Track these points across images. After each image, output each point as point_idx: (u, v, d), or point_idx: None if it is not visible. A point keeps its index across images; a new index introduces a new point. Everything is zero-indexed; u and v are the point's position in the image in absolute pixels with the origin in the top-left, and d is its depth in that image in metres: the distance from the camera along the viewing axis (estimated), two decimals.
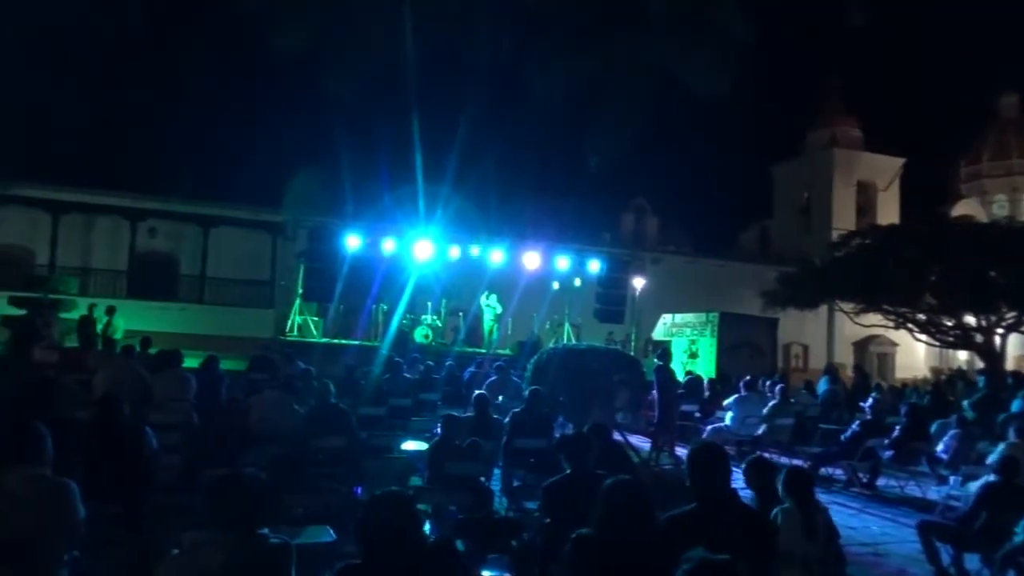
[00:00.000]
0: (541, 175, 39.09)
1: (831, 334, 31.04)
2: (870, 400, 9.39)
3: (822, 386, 12.88)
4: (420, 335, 17.20)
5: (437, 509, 5.21)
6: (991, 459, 5.67)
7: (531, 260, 18.25)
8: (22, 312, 13.71)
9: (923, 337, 23.04)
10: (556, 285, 19.66)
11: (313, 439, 6.09)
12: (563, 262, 18.46)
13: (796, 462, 9.38)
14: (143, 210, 21.80)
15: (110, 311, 15.70)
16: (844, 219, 32.78)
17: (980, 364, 20.71)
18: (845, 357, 30.29)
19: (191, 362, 8.90)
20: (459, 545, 2.76)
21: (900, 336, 27.30)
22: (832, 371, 13.90)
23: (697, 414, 11.76)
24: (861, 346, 31.13)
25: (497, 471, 6.66)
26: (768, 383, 12.19)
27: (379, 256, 17.54)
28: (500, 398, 9.20)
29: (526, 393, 7.78)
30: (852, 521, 7.16)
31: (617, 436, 7.65)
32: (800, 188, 36.21)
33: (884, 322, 22.95)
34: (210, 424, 6.73)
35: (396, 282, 17.89)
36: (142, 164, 27.74)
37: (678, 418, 10.50)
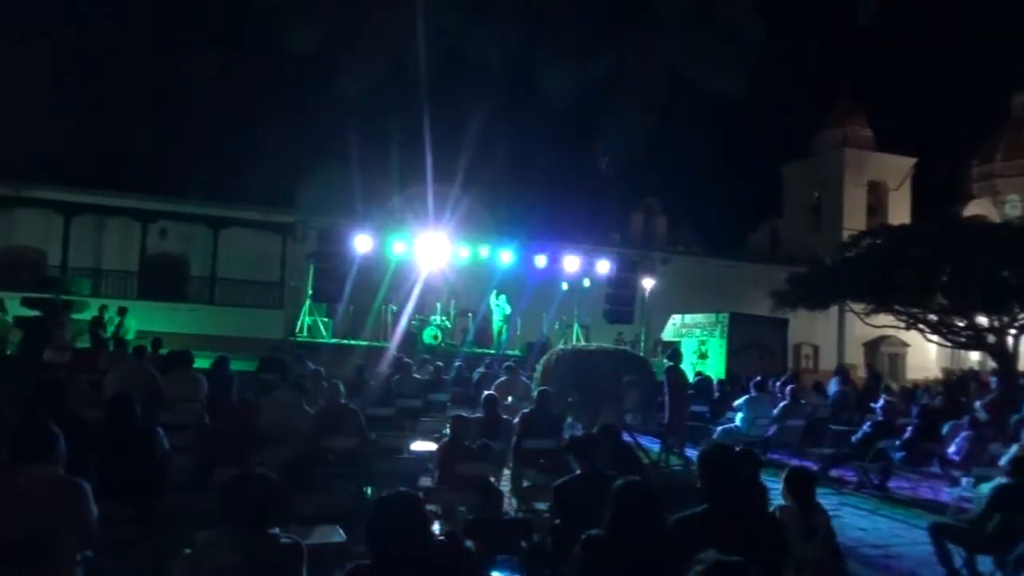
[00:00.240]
0: (550, 175, 39.08)
1: (842, 335, 30.87)
2: (881, 401, 9.34)
3: (832, 387, 12.82)
4: (429, 336, 17.23)
5: (446, 510, 5.22)
6: (1004, 460, 5.63)
7: (540, 261, 18.26)
8: (36, 313, 13.81)
9: (935, 338, 22.86)
10: (565, 286, 19.65)
11: (323, 440, 6.11)
12: (572, 262, 18.45)
13: (807, 464, 9.36)
14: (154, 211, 21.93)
15: (122, 312, 15.81)
16: (855, 219, 32.61)
17: (992, 365, 20.55)
18: (856, 358, 30.13)
19: (202, 363, 8.95)
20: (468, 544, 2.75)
21: (911, 337, 27.11)
22: (842, 372, 13.83)
23: (707, 415, 11.72)
24: (872, 347, 30.95)
25: (507, 472, 6.67)
26: (778, 384, 12.15)
27: (388, 257, 17.59)
28: (509, 399, 9.20)
29: (535, 394, 7.78)
30: (863, 523, 7.12)
31: (627, 437, 7.65)
32: (810, 188, 36.06)
33: (895, 323, 22.79)
34: (221, 425, 6.76)
35: (405, 283, 17.94)
36: (153, 165, 27.91)
37: (688, 419, 10.48)
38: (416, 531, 2.53)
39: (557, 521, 4.12)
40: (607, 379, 10.81)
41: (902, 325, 22.81)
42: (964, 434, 8.16)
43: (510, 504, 6.05)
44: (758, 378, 10.72)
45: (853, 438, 8.81)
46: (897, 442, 8.73)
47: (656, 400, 11.04)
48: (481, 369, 12.31)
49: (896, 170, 34.82)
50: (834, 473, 9.01)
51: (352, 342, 17.46)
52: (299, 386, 7.50)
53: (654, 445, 10.11)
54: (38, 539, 2.91)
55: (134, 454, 4.67)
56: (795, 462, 9.33)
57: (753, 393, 10.23)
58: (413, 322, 17.53)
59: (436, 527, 3.76)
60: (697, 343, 18.75)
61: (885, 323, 23.35)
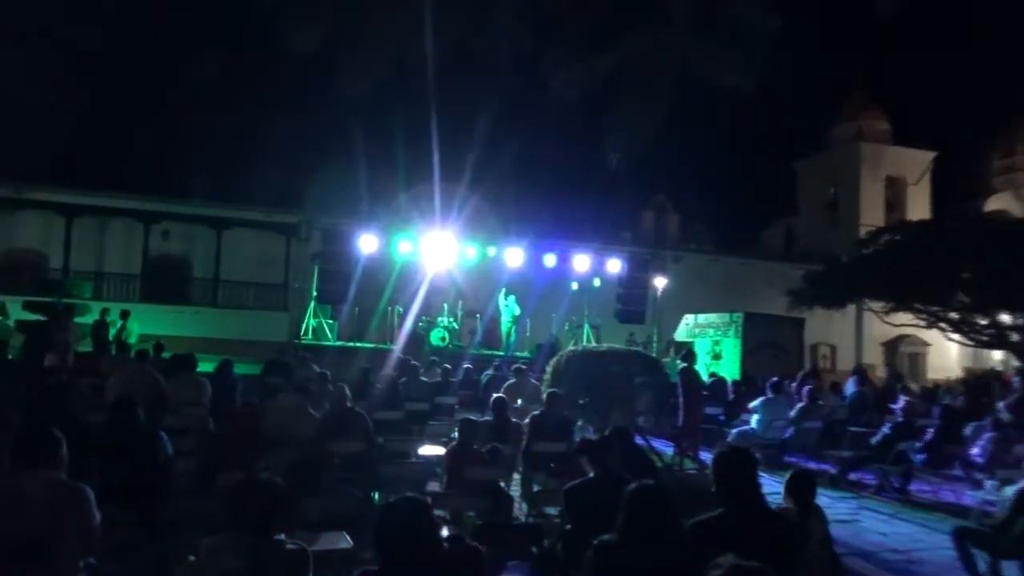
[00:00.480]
0: (559, 173, 39.01)
1: (859, 334, 30.72)
2: (901, 402, 9.28)
3: (849, 388, 12.76)
4: (436, 337, 17.26)
5: (455, 515, 5.22)
6: None
7: (549, 260, 18.25)
8: (38, 317, 13.91)
9: (956, 337, 22.71)
10: (575, 285, 19.64)
11: (329, 444, 6.12)
12: (582, 262, 18.43)
13: (824, 467, 9.31)
14: (156, 212, 22.03)
15: (124, 315, 15.90)
16: (872, 215, 32.44)
17: (1016, 364, 20.40)
18: (874, 358, 29.97)
19: (205, 366, 8.98)
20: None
21: (932, 336, 26.95)
22: (860, 372, 13.76)
23: (721, 417, 11.68)
24: (891, 346, 30.78)
25: (516, 476, 6.67)
26: (794, 385, 12.09)
27: (394, 257, 17.63)
28: (519, 401, 9.20)
29: (545, 396, 7.78)
30: (883, 527, 7.08)
31: (639, 440, 7.63)
32: (826, 184, 35.88)
33: (915, 321, 22.65)
34: (225, 429, 6.79)
35: (411, 284, 17.97)
36: (154, 166, 28.05)
37: (702, 421, 10.44)
38: (424, 537, 2.53)
39: (568, 526, 4.12)
40: (619, 381, 10.80)
41: (922, 324, 22.67)
42: (987, 435, 8.10)
43: (520, 509, 6.05)
44: (774, 379, 10.67)
45: (872, 440, 8.75)
46: (918, 444, 8.67)
47: (669, 402, 11.01)
48: (490, 371, 12.30)
49: (914, 164, 34.60)
50: (853, 476, 8.95)
51: (358, 344, 17.50)
52: (304, 389, 7.52)
53: (667, 448, 10.08)
54: (40, 544, 2.93)
55: (137, 458, 4.69)
56: (812, 465, 9.32)
57: (769, 394, 10.19)
58: (420, 324, 17.56)
59: (444, 533, 3.76)
60: (711, 343, 18.69)
61: (904, 322, 23.22)
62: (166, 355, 10.19)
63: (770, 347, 17.85)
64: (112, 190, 22.17)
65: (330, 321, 18.13)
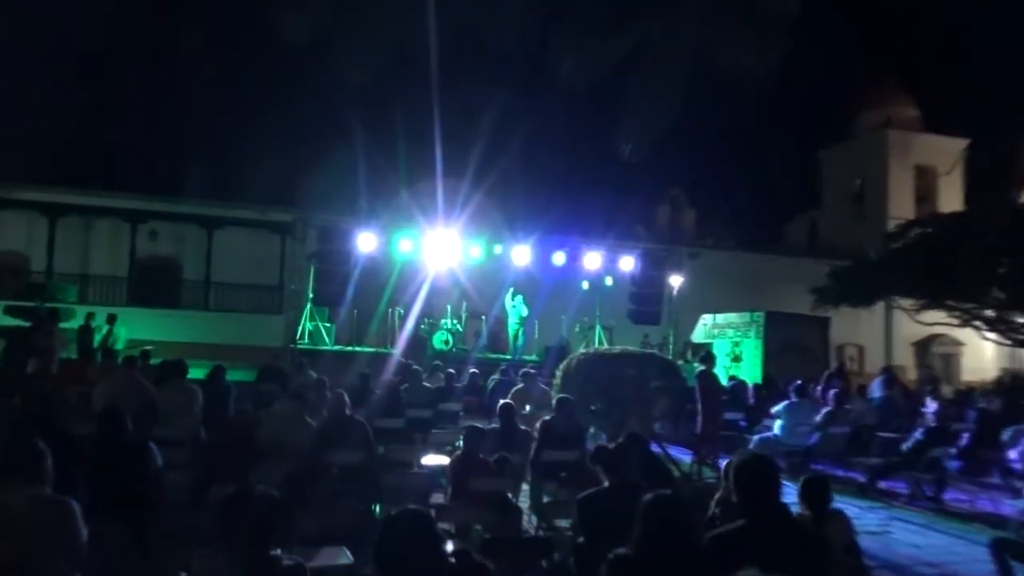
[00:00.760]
0: (569, 167, 39.06)
1: (889, 334, 30.60)
2: (934, 405, 9.24)
3: (876, 391, 12.72)
4: (439, 341, 17.28)
5: (461, 528, 5.23)
6: None
7: (558, 258, 18.24)
8: (22, 323, 14.00)
9: (991, 336, 22.61)
10: (586, 285, 19.62)
11: (327, 454, 6.14)
12: (593, 259, 18.41)
13: (852, 475, 9.28)
14: (143, 211, 22.13)
15: (111, 320, 15.97)
16: (901, 207, 32.30)
17: None
18: (905, 359, 29.84)
19: (196, 373, 9.01)
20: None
21: (966, 335, 26.82)
22: (888, 374, 13.72)
23: (742, 423, 11.66)
24: (922, 347, 30.63)
25: (525, 487, 6.67)
26: (819, 388, 12.07)
27: (394, 256, 17.65)
28: (527, 407, 9.21)
29: (555, 402, 7.78)
30: (916, 539, 7.05)
31: (655, 448, 7.62)
32: (852, 174, 35.74)
33: (948, 320, 22.56)
34: (218, 439, 6.82)
35: (412, 284, 17.98)
36: (142, 163, 28.18)
37: (722, 427, 10.42)
38: (428, 552, 2.53)
39: (581, 539, 4.11)
40: (633, 385, 10.76)
41: (956, 322, 22.58)
42: None
43: (529, 521, 6.05)
44: (798, 382, 10.64)
45: (904, 446, 8.72)
46: (952, 450, 8.63)
47: (687, 407, 10.99)
48: (496, 376, 12.31)
49: (946, 153, 34.43)
50: (883, 485, 8.92)
51: (356, 349, 17.53)
52: (300, 397, 7.53)
53: (685, 456, 10.07)
54: (24, 561, 2.94)
55: (126, 471, 4.71)
56: (839, 473, 9.30)
57: (793, 398, 10.16)
58: (422, 326, 17.57)
59: (449, 547, 3.77)
60: (730, 345, 18.65)
61: (936, 320, 23.12)
62: (155, 362, 10.23)
63: (793, 348, 17.79)
64: (98, 188, 22.29)
65: (327, 324, 18.17)
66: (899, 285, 21.85)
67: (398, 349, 16.32)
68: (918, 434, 8.62)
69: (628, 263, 18.82)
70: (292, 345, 17.40)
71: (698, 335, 19.93)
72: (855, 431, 10.10)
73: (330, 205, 22.10)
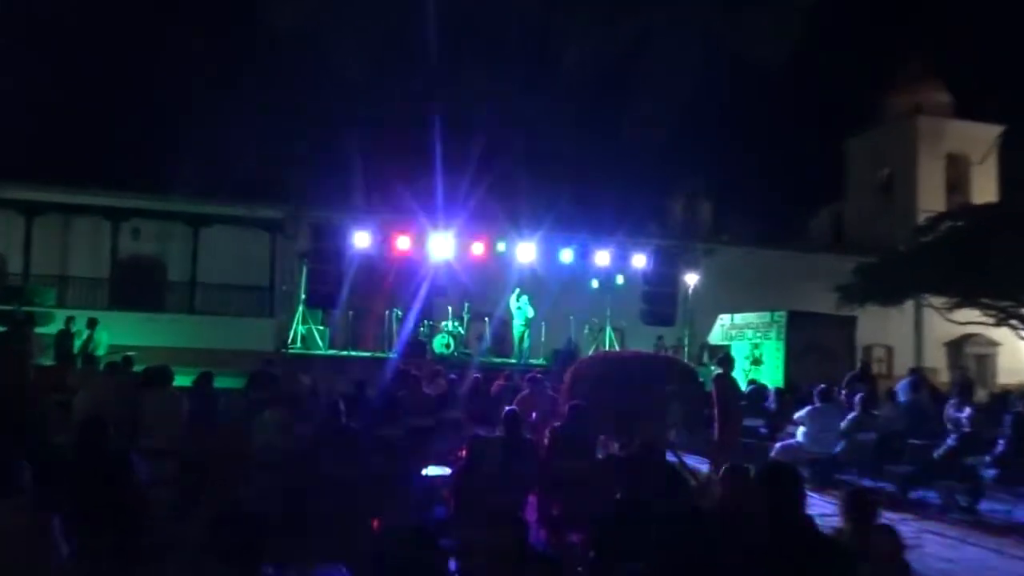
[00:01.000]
0: (578, 158, 39.05)
1: (919, 334, 30.52)
2: (968, 410, 9.21)
3: (901, 394, 12.70)
4: (440, 344, 17.29)
5: (463, 544, 5.22)
6: None
7: (566, 255, 18.23)
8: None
9: None
10: (595, 284, 19.61)
11: (321, 465, 6.14)
12: (603, 257, 18.40)
13: (881, 485, 9.26)
14: (125, 209, 22.19)
15: (91, 324, 16.02)
16: (932, 199, 32.22)
17: None
18: (937, 360, 29.76)
19: (182, 380, 9.03)
20: None
21: (1002, 334, 26.74)
22: (915, 376, 13.69)
23: (763, 430, 11.63)
24: (955, 347, 30.55)
25: (532, 499, 6.66)
26: (844, 391, 12.05)
27: (391, 255, 17.67)
28: (534, 415, 9.21)
29: (564, 408, 7.78)
30: (949, 553, 7.03)
31: (670, 457, 7.61)
32: (879, 164, 35.68)
33: (982, 318, 22.51)
34: (205, 450, 6.82)
35: (411, 284, 17.99)
36: (123, 158, 28.27)
37: (741, 435, 10.40)
38: (430, 570, 2.53)
39: (593, 555, 4.11)
40: (646, 390, 10.76)
41: (991, 321, 22.52)
42: None
43: (537, 537, 6.04)
44: (822, 386, 10.63)
45: (936, 454, 8.69)
46: (988, 458, 8.60)
47: (703, 414, 10.98)
48: (500, 381, 12.32)
49: (979, 140, 34.33)
50: (914, 495, 8.90)
51: (352, 353, 17.55)
52: (293, 405, 7.54)
53: (702, 466, 10.05)
54: None
55: (109, 484, 4.72)
56: (867, 483, 9.26)
57: (817, 403, 10.15)
58: (421, 329, 17.58)
59: (452, 565, 3.77)
60: (750, 347, 18.62)
61: (970, 319, 23.06)
62: (138, 368, 10.25)
63: (817, 350, 17.75)
64: (77, 185, 22.33)
65: (321, 327, 18.20)
66: (930, 282, 21.81)
67: (396, 353, 16.34)
68: (951, 441, 8.59)
69: (640, 260, 18.80)
70: (283, 350, 17.44)
71: (715, 337, 19.90)
72: (883, 438, 10.08)
73: (323, 201, 22.16)
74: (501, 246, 18.04)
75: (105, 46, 33.56)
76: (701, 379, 13.40)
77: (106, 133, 31.08)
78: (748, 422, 11.11)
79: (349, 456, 6.34)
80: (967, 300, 21.60)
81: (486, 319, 19.27)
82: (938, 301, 23.07)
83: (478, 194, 19.57)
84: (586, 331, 19.57)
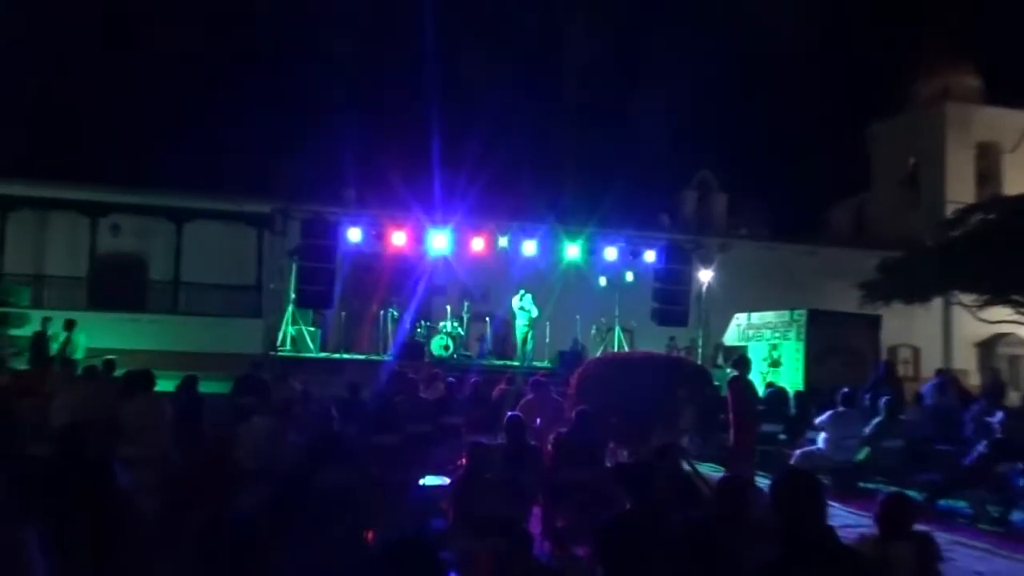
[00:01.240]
0: (584, 148, 39.04)
1: (948, 334, 30.49)
2: (999, 415, 9.21)
3: (928, 398, 12.69)
4: (438, 346, 17.30)
5: (463, 558, 5.24)
6: None
7: (572, 251, 18.23)
8: None
9: None
10: (603, 281, 19.62)
11: (313, 475, 6.15)
12: (611, 252, 18.40)
13: (910, 494, 9.25)
14: (104, 204, 22.19)
15: (68, 326, 16.06)
16: (961, 190, 32.16)
17: None
18: (967, 362, 29.72)
19: (165, 385, 9.05)
20: None
21: None
22: (942, 378, 13.68)
23: (782, 436, 11.64)
24: (986, 347, 30.52)
25: (537, 510, 6.68)
26: (867, 395, 12.05)
27: (387, 251, 17.69)
28: (538, 421, 9.22)
29: (572, 414, 7.79)
30: (980, 565, 7.04)
31: (684, 465, 7.62)
32: (904, 153, 35.62)
33: (1015, 317, 22.46)
34: (191, 459, 6.84)
35: (407, 282, 18.02)
36: (102, 150, 28.31)
37: (757, 441, 10.41)
38: None
39: (600, 570, 4.11)
40: (657, 394, 10.78)
41: None
42: None
43: (541, 550, 6.06)
44: (845, 389, 10.63)
45: (965, 461, 8.69)
46: (1021, 465, 8.60)
47: (718, 419, 10.99)
48: (502, 385, 12.34)
49: (1012, 128, 34.25)
50: (943, 505, 8.90)
51: (345, 356, 17.58)
52: (283, 411, 7.56)
53: (717, 474, 10.06)
54: None
55: (89, 495, 4.73)
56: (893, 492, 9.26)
57: (839, 408, 10.15)
58: (418, 329, 17.60)
59: None
60: (768, 348, 18.60)
61: (1002, 318, 23.02)
62: (119, 372, 10.28)
63: (839, 351, 17.74)
64: (53, 179, 22.36)
65: (312, 328, 18.21)
66: (959, 278, 21.75)
67: (392, 356, 16.36)
68: (981, 447, 8.59)
69: (651, 256, 18.80)
70: (272, 352, 17.46)
71: (731, 337, 19.89)
72: (909, 444, 10.08)
73: (314, 194, 22.13)
74: (503, 241, 18.05)
75: (83, 33, 33.63)
76: (716, 382, 13.42)
77: (84, 123, 31.13)
78: (766, 428, 11.12)
79: (342, 465, 6.35)
80: (998, 298, 21.54)
81: (487, 319, 19.28)
82: (968, 299, 23.02)
83: (478, 186, 19.56)
84: (593, 331, 19.57)
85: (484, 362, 17.14)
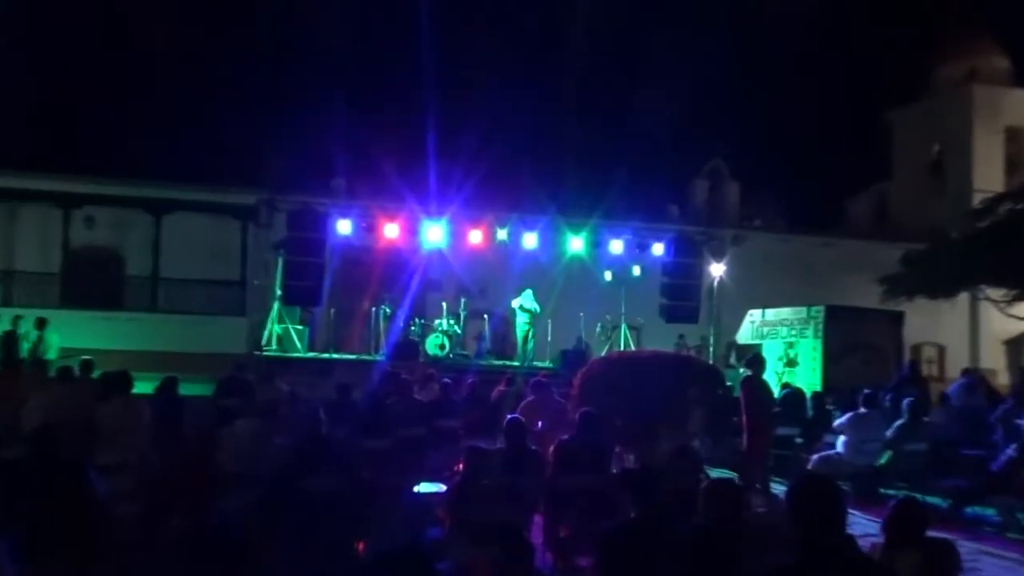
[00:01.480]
0: (588, 135, 38.99)
1: (975, 330, 30.51)
2: None
3: (954, 399, 12.69)
4: (434, 345, 17.31)
5: (460, 569, 5.25)
6: None
7: (576, 244, 18.23)
8: None
9: None
10: (609, 276, 19.62)
11: (301, 480, 6.16)
12: (617, 245, 18.40)
13: (932, 501, 9.27)
14: (78, 195, 22.18)
15: (40, 324, 16.07)
16: (989, 178, 32.15)
17: None
18: (995, 360, 29.73)
19: (143, 387, 9.06)
20: None
21: None
22: (970, 378, 13.69)
23: (798, 439, 11.65)
24: (1015, 345, 30.54)
25: (538, 518, 6.69)
26: (888, 396, 12.05)
27: (378, 245, 17.68)
28: (539, 424, 9.23)
29: (576, 417, 7.80)
30: None
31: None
32: (928, 140, 35.60)
33: None
34: (171, 464, 6.85)
35: (401, 278, 18.02)
36: (76, 138, 28.27)
37: (772, 444, 10.42)
38: None
39: None
40: (665, 395, 10.80)
41: None
42: None
43: (543, 561, 6.07)
44: (867, 390, 10.63)
45: (993, 466, 8.70)
46: None
47: (730, 421, 11.00)
48: (502, 387, 12.36)
49: None
50: (969, 513, 8.91)
51: (334, 355, 17.59)
52: (268, 413, 7.57)
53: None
54: None
55: (63, 501, 4.74)
56: (916, 498, 9.27)
57: (860, 409, 10.16)
58: (412, 327, 17.61)
59: None
60: (783, 346, 18.61)
61: None
62: (95, 374, 10.29)
63: (860, 349, 17.76)
64: (23, 168, 22.33)
65: (299, 327, 18.22)
66: (987, 272, 21.76)
67: (384, 355, 16.37)
68: (1010, 451, 8.60)
69: (659, 249, 18.80)
70: (257, 352, 17.47)
71: (744, 335, 19.89)
72: (934, 448, 10.09)
73: (301, 184, 22.15)
74: (502, 234, 18.04)
75: (56, 15, 33.59)
76: (728, 382, 13.43)
77: (56, 111, 31.09)
78: (781, 431, 11.12)
79: (331, 470, 6.36)
80: None
81: (485, 316, 19.28)
82: (996, 294, 23.02)
83: (476, 175, 19.54)
84: (598, 329, 19.58)
85: (482, 362, 17.15)
